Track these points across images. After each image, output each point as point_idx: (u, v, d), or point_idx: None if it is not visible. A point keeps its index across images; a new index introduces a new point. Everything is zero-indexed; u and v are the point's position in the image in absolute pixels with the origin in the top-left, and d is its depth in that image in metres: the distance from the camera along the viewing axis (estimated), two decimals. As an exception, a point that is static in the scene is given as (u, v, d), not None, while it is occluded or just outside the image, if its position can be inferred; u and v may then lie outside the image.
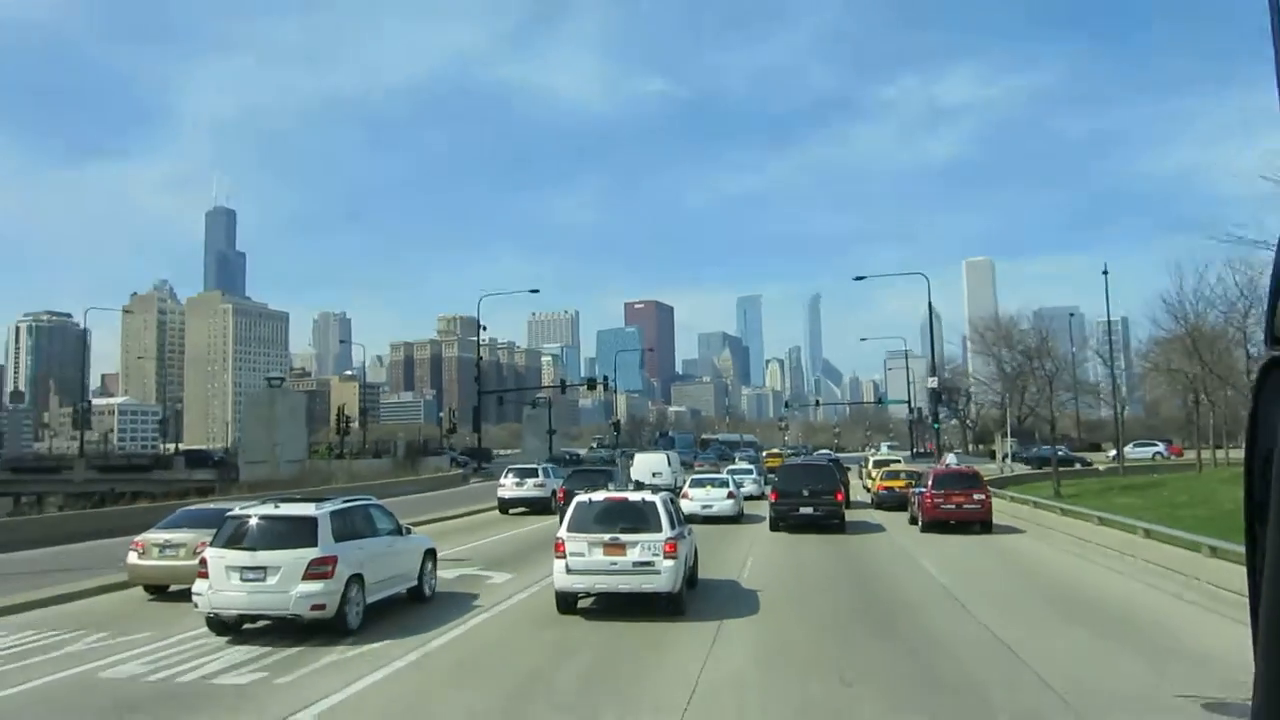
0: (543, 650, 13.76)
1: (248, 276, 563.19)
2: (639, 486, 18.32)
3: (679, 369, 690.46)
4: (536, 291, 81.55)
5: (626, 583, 16.08)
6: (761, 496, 44.16)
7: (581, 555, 16.09)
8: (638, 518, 16.43)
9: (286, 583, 14.65)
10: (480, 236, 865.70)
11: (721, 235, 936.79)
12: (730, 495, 34.51)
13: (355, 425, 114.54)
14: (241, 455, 75.53)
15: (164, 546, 19.12)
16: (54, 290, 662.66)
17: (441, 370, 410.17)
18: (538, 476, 42.04)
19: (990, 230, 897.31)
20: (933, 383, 63.28)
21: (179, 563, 18.75)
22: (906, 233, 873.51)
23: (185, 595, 16.39)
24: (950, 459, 46.30)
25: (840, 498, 30.70)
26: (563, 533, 16.38)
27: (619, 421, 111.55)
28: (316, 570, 14.76)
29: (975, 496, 30.85)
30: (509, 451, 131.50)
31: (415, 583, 17.85)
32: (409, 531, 18.35)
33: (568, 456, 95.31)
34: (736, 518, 34.20)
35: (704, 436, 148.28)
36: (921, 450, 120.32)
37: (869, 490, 44.40)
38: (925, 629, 15.17)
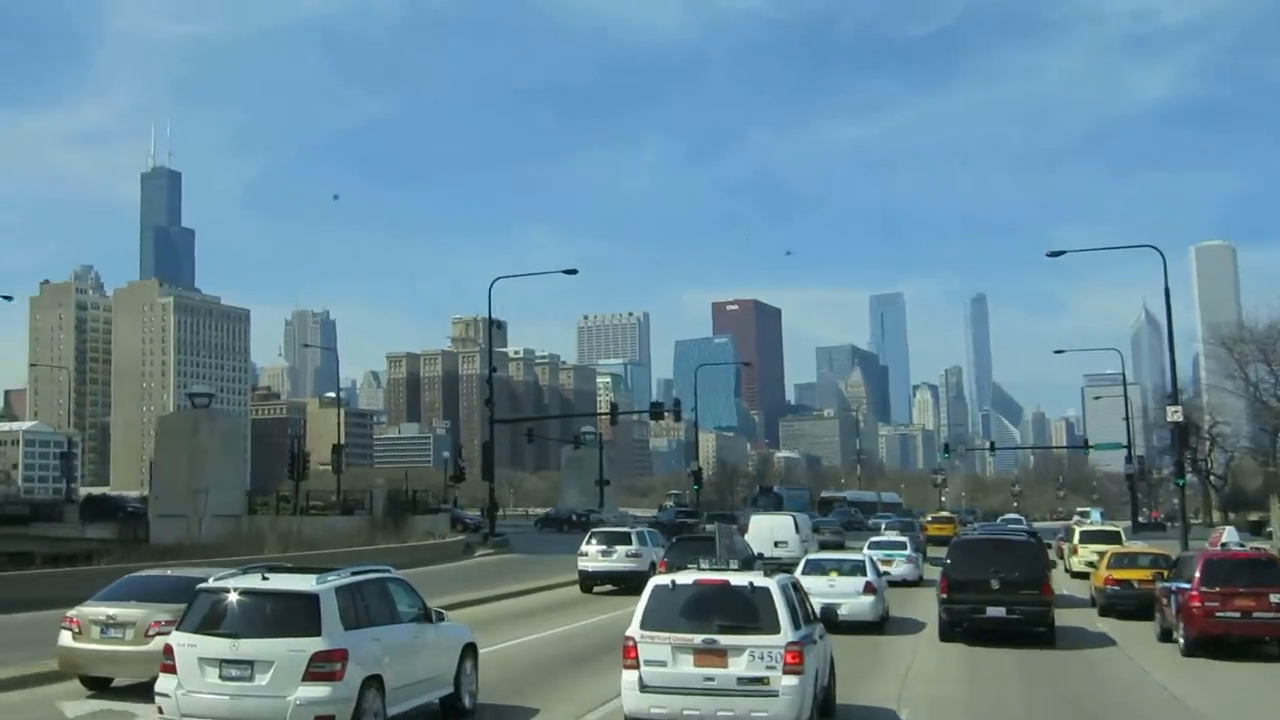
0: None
1: (197, 262, 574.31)
2: (747, 563, 17.86)
3: (790, 397, 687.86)
4: (574, 272, 76.46)
5: (728, 709, 15.76)
6: (919, 582, 45.97)
7: (662, 665, 16.01)
8: (744, 611, 16.23)
9: (281, 684, 14.90)
10: (509, 212, 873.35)
11: (844, 210, 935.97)
12: (869, 588, 32.19)
13: (330, 466, 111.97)
14: (152, 505, 73.08)
15: (106, 625, 19.56)
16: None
17: (458, 393, 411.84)
18: (631, 544, 44.12)
19: (1229, 202, 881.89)
20: (1175, 414, 56.92)
21: (125, 647, 19.30)
22: (1105, 207, 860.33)
23: (136, 690, 17.72)
24: (1227, 535, 42.04)
25: (1048, 593, 29.73)
26: (634, 630, 16.29)
27: (700, 470, 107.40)
28: (321, 668, 15.01)
29: (1277, 599, 27.32)
30: (534, 511, 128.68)
31: (450, 689, 18.18)
32: (441, 617, 18.67)
33: (588, 518, 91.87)
34: (878, 623, 32.27)
35: (824, 494, 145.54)
36: (1146, 519, 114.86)
37: (1087, 581, 41.77)
38: None
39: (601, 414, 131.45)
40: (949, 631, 29.74)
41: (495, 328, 68.92)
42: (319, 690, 14.90)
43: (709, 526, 65.68)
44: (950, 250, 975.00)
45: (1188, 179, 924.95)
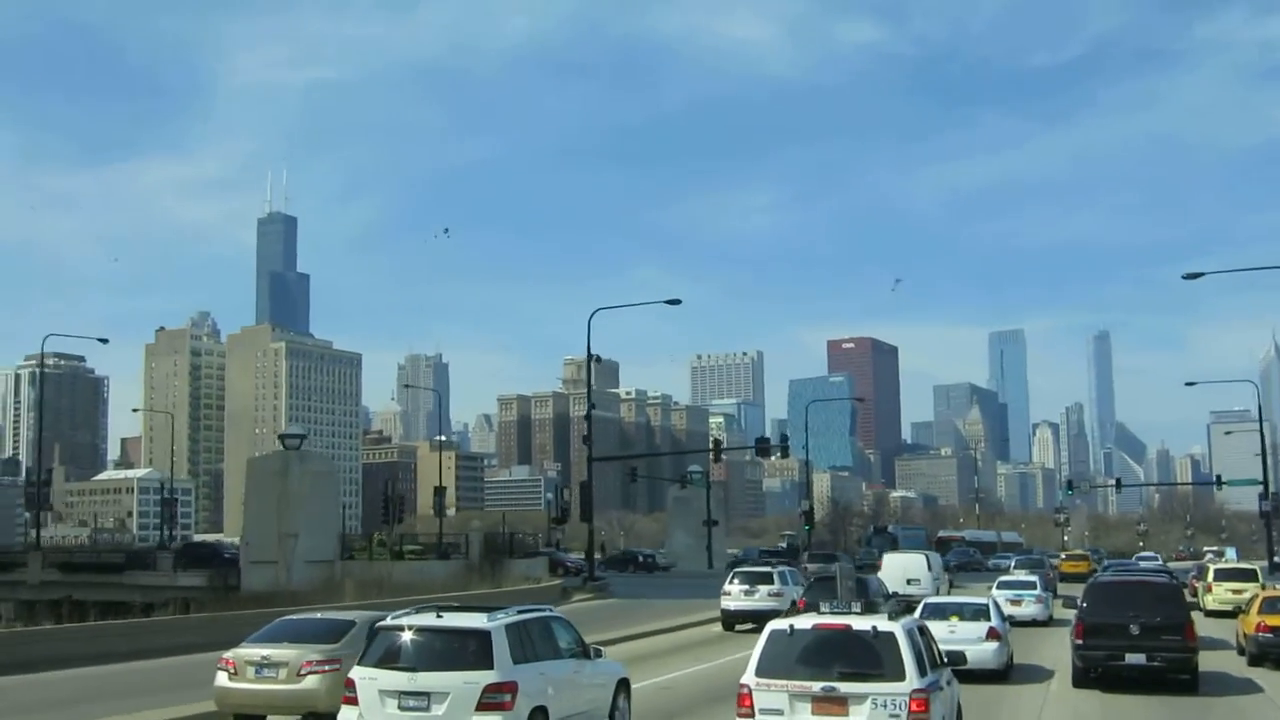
0: None
1: (312, 306, 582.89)
2: (870, 606, 17.60)
3: (906, 436, 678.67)
4: (677, 302, 72.43)
5: None
6: (1049, 622, 45.50)
7: (779, 714, 15.63)
8: (867, 657, 15.73)
9: (456, 714, 16.29)
10: (620, 255, 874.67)
11: (962, 246, 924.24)
12: (993, 634, 30.20)
13: (444, 510, 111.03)
14: (243, 552, 71.59)
15: (260, 665, 20.55)
16: (64, 327, 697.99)
17: (569, 435, 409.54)
18: (773, 583, 45.32)
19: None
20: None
21: (279, 686, 20.32)
22: (1236, 237, 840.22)
23: None
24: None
25: (1192, 637, 27.94)
26: (749, 678, 15.94)
27: (811, 510, 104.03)
28: (493, 699, 16.28)
29: None
30: (649, 551, 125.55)
31: None
32: (599, 654, 19.98)
33: (654, 558, 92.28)
34: (1002, 672, 30.29)
35: (941, 534, 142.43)
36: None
37: (1222, 621, 40.32)
38: None
39: (707, 450, 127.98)
40: (1082, 678, 28.12)
41: (599, 364, 66.24)
42: None
43: (810, 566, 62.42)
44: (1073, 286, 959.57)
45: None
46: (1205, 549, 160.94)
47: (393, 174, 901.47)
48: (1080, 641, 28.14)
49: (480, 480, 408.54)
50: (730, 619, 44.65)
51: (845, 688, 15.42)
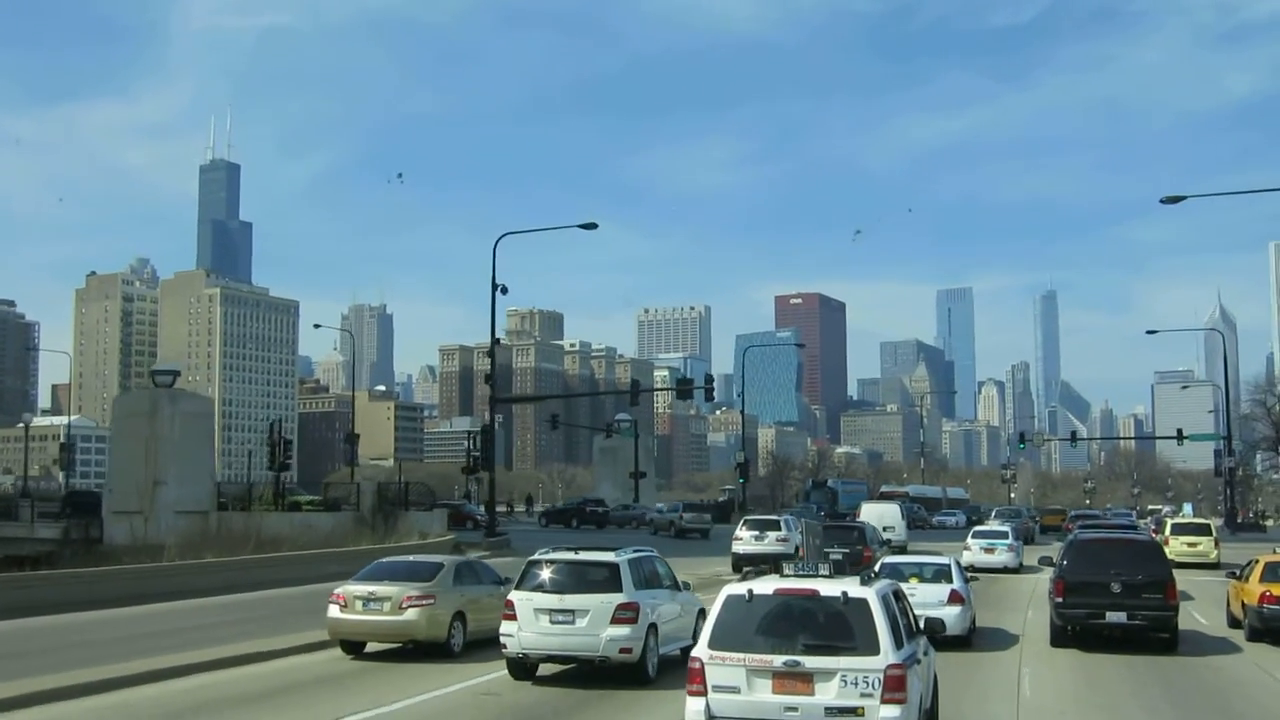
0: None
1: (254, 256, 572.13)
2: (838, 567, 15.63)
3: (853, 392, 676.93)
4: (593, 226, 62.72)
5: None
6: (1020, 569, 48.95)
7: (735, 692, 14.12)
8: (836, 627, 14.17)
9: (595, 626, 21.00)
10: (575, 206, 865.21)
11: (913, 204, 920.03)
12: (955, 597, 28.55)
13: (355, 459, 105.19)
14: (106, 501, 64.93)
15: (367, 600, 24.47)
16: (4, 271, 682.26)
17: (511, 386, 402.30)
18: (780, 530, 51.62)
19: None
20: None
21: (384, 617, 24.32)
22: (1183, 204, 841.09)
23: (388, 654, 24.94)
24: None
25: (1173, 596, 27.77)
26: (701, 650, 14.46)
27: (746, 462, 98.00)
28: (623, 615, 21.06)
29: None
30: (531, 510, 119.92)
31: (690, 641, 20.84)
32: (687, 587, 25.13)
33: (607, 511, 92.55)
34: (965, 637, 28.36)
35: (884, 489, 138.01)
36: (1245, 519, 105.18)
37: (1226, 591, 35.11)
38: None
39: (622, 391, 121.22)
40: (1061, 637, 28.16)
41: (500, 290, 60.02)
42: (622, 630, 20.96)
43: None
44: (1022, 246, 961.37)
45: (1272, 176, 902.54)
46: (1149, 507, 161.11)
47: (345, 124, 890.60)
48: (1060, 599, 27.79)
49: (420, 431, 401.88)
50: (740, 561, 47.63)
51: (811, 662, 13.92)
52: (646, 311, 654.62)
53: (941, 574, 29.33)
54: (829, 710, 13.80)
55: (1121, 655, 26.57)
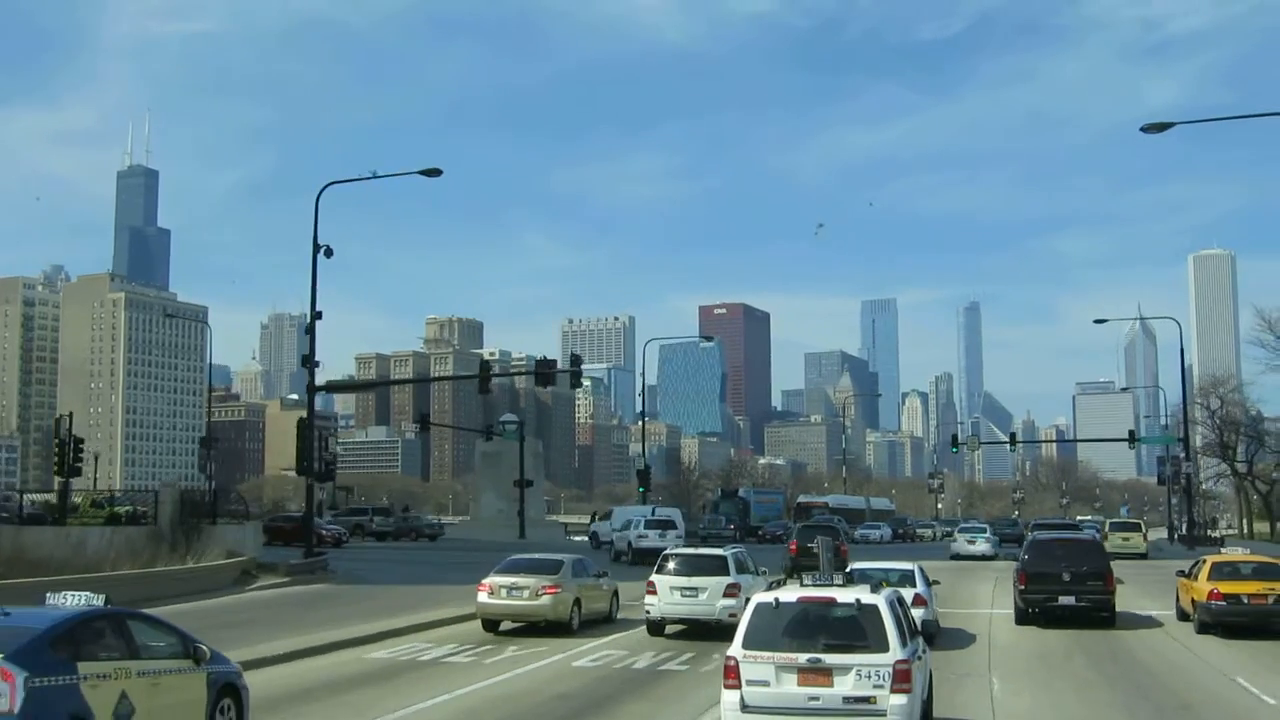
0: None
1: (172, 264, 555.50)
2: (850, 579, 17.68)
3: (777, 403, 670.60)
4: (437, 173, 49.42)
5: None
6: (995, 556, 66.15)
7: (765, 685, 15.83)
8: (850, 630, 16.14)
9: (713, 598, 29.98)
10: (500, 216, 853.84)
11: (841, 216, 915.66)
12: (919, 600, 30.61)
13: (210, 465, 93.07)
14: None
15: (510, 588, 30.75)
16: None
17: (430, 397, 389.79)
18: (675, 528, 61.61)
19: (1229, 213, 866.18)
20: None
21: (524, 602, 30.63)
22: (1107, 214, 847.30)
23: (518, 632, 30.88)
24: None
25: (1111, 583, 33.57)
26: (736, 650, 16.14)
27: (648, 469, 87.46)
28: (731, 590, 29.88)
29: None
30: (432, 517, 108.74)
31: None
32: (764, 572, 32.91)
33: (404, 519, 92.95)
34: (928, 638, 29.21)
35: (802, 499, 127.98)
36: (1196, 530, 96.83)
37: (1175, 588, 38.15)
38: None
39: (470, 376, 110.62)
40: (1023, 617, 33.76)
41: (324, 253, 48.46)
42: (731, 601, 29.16)
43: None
44: (946, 258, 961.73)
45: (1189, 190, 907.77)
46: (1079, 517, 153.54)
47: (267, 132, 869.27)
48: (1023, 587, 33.58)
49: (335, 442, 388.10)
50: (639, 555, 57.26)
51: (831, 659, 15.65)
52: (571, 322, 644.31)
53: (906, 579, 31.40)
54: (847, 700, 15.53)
55: (1070, 630, 32.19)
